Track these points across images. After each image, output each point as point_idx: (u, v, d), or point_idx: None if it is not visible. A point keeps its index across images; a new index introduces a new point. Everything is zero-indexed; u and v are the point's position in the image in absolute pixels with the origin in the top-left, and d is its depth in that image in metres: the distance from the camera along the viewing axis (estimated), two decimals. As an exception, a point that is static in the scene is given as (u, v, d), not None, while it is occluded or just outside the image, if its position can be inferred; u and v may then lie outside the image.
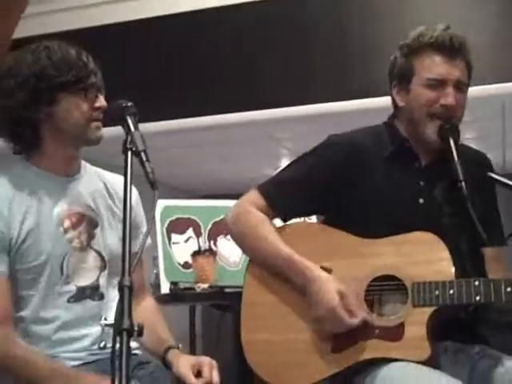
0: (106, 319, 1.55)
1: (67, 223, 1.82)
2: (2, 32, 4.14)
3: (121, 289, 1.37)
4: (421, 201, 1.92)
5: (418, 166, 1.95)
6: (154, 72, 4.23)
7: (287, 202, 1.97)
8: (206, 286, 2.80)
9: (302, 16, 4.15)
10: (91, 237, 1.85)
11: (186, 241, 3.03)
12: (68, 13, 4.28)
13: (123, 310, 1.34)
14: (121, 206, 1.93)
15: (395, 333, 1.76)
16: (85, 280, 1.83)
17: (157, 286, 2.83)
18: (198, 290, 2.79)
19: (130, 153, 1.58)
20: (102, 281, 1.86)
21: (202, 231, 3.08)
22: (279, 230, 1.98)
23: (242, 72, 4.30)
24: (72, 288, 1.80)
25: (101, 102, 1.82)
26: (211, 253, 2.93)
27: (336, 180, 1.92)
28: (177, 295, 2.82)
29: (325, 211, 2.02)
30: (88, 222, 1.86)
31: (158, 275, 2.88)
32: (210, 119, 4.30)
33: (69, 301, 1.79)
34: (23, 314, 1.77)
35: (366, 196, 1.91)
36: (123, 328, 1.31)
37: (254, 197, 1.98)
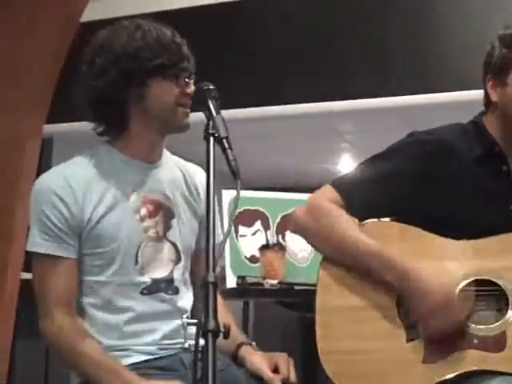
0: (188, 317, 1.46)
1: (144, 211, 1.74)
2: (70, 15, 4.12)
3: (205, 285, 1.29)
4: (511, 207, 1.78)
5: (506, 170, 1.82)
6: (218, 59, 4.14)
7: (365, 200, 1.81)
8: (274, 281, 2.70)
9: (377, 7, 4.02)
10: (167, 227, 1.77)
11: (254, 234, 2.94)
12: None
13: (208, 308, 1.25)
14: (197, 197, 1.86)
15: (496, 343, 1.62)
16: (160, 272, 1.75)
17: (222, 279, 2.73)
18: (267, 286, 2.69)
19: (212, 139, 1.49)
20: (177, 274, 1.77)
21: (271, 224, 2.97)
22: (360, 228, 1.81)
23: (308, 62, 4.19)
24: (147, 279, 1.73)
25: (191, 88, 1.73)
26: (280, 247, 2.83)
27: (420, 181, 1.79)
28: (243, 290, 2.72)
29: (401, 213, 1.84)
30: (165, 211, 1.78)
31: (223, 269, 2.79)
32: (270, 110, 4.21)
33: (142, 292, 1.72)
34: (91, 300, 1.71)
35: (452, 199, 1.78)
36: (209, 329, 1.22)
37: (328, 192, 1.83)
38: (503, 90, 1.80)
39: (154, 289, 1.73)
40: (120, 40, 1.70)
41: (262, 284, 2.71)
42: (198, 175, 1.89)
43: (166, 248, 1.76)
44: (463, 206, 1.78)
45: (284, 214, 3.00)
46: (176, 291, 1.76)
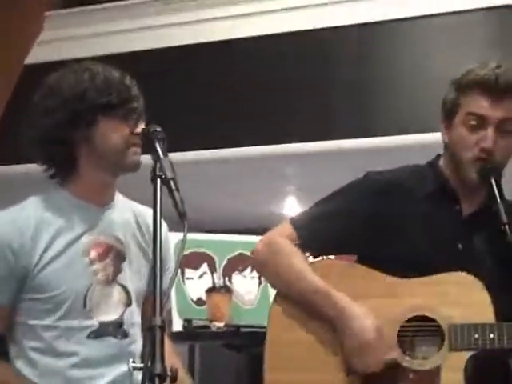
0: (134, 361, 1.42)
1: (93, 254, 1.71)
2: (17, 58, 4.10)
3: (152, 329, 1.27)
4: (459, 246, 1.82)
5: (458, 209, 1.85)
6: (164, 102, 4.15)
7: (317, 237, 1.87)
8: (221, 324, 2.68)
9: (321, 53, 4.11)
10: (118, 271, 1.74)
11: (200, 276, 2.92)
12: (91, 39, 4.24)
13: (155, 352, 1.23)
14: (149, 240, 1.82)
15: (430, 378, 1.67)
16: (108, 316, 1.71)
17: (168, 322, 2.70)
18: (213, 329, 2.67)
19: (159, 180, 1.48)
20: (126, 318, 1.74)
21: (217, 267, 2.96)
22: (311, 265, 1.86)
23: (253, 106, 4.24)
24: (94, 323, 1.69)
25: (141, 128, 1.71)
26: (227, 290, 2.82)
27: (368, 218, 1.83)
28: (190, 333, 2.69)
29: (354, 250, 1.91)
30: (115, 254, 1.75)
31: (169, 312, 2.75)
32: (213, 153, 4.23)
33: (89, 336, 1.67)
34: (34, 344, 1.67)
35: (399, 237, 1.82)
36: (156, 373, 1.20)
37: (285, 229, 1.89)
38: (450, 132, 1.85)
39: (101, 332, 1.69)
40: (68, 82, 1.70)
41: (208, 327, 2.68)
42: (150, 218, 1.88)
43: (116, 291, 1.73)
44: (412, 245, 1.81)
45: (230, 256, 3.00)
46: (125, 335, 1.72)
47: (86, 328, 1.68)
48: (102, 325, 1.69)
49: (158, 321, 1.28)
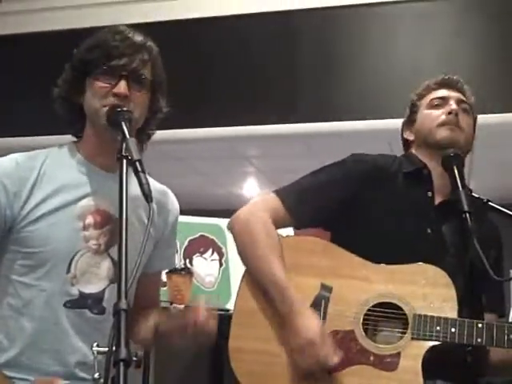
0: (98, 345, 1.37)
1: (89, 220, 1.66)
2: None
3: (117, 313, 1.22)
4: (428, 230, 1.87)
5: (431, 196, 1.91)
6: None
7: (305, 209, 1.91)
8: (181, 306, 2.67)
9: (285, 36, 4.09)
10: (112, 243, 1.68)
11: (161, 258, 2.89)
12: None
13: (120, 336, 1.19)
14: (158, 220, 1.79)
15: (390, 362, 1.72)
16: (91, 287, 1.65)
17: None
18: (174, 311, 2.65)
19: (125, 161, 1.45)
20: (108, 294, 1.66)
21: (178, 249, 2.94)
22: (285, 240, 1.90)
23: (216, 87, 4.21)
24: (74, 292, 1.64)
25: (119, 87, 1.63)
26: (188, 272, 2.80)
27: (351, 195, 1.90)
28: (150, 315, 2.67)
29: (335, 225, 1.95)
30: (114, 226, 1.67)
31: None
32: (176, 133, 4.20)
33: (65, 305, 1.62)
34: (12, 301, 1.63)
35: (373, 217, 1.88)
36: (120, 358, 1.16)
37: (271, 201, 1.91)
38: (415, 125, 1.99)
39: (79, 303, 1.64)
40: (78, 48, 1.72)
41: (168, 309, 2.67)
42: (161, 195, 1.85)
43: (105, 264, 1.67)
44: (383, 225, 1.87)
45: (191, 237, 2.98)
46: (102, 311, 1.66)
47: (66, 295, 1.63)
48: (82, 295, 1.64)
49: (122, 304, 1.23)
